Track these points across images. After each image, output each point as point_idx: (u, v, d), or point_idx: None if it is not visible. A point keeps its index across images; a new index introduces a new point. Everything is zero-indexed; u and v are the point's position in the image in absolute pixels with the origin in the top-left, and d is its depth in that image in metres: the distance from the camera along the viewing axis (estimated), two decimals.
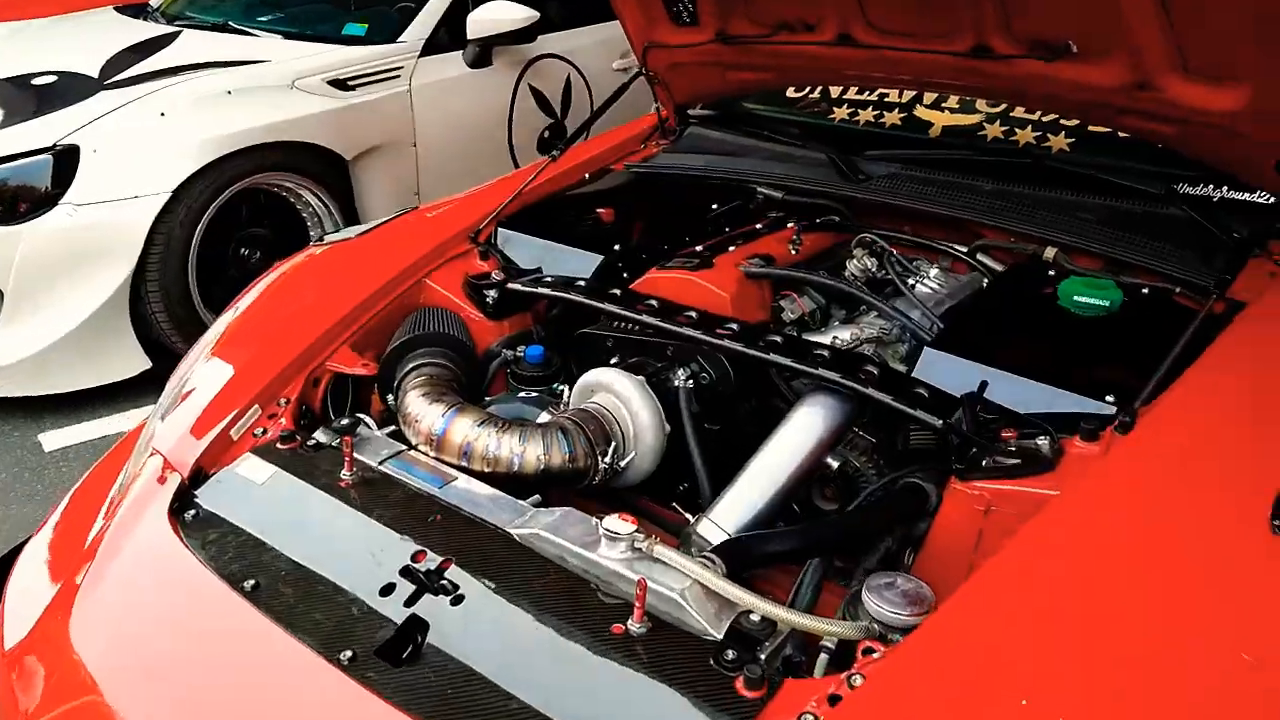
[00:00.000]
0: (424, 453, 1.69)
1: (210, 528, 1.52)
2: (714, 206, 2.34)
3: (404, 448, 1.70)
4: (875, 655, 1.21)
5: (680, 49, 2.55)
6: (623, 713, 1.16)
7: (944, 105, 2.47)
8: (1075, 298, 1.83)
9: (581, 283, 1.98)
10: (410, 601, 1.34)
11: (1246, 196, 2.12)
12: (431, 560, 1.40)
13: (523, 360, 2.00)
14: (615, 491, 1.76)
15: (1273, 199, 2.07)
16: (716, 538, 1.56)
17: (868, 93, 2.59)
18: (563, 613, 1.30)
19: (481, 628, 1.29)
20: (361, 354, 1.93)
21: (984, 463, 1.47)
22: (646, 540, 1.35)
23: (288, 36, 4.15)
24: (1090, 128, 2.28)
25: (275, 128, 3.59)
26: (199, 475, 1.64)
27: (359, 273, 2.12)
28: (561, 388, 1.98)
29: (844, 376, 1.59)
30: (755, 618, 1.26)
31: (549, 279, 2.03)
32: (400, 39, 4.09)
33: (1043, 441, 1.50)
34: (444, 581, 1.36)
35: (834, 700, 1.15)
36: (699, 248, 2.11)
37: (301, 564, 1.43)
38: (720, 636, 1.25)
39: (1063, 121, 2.31)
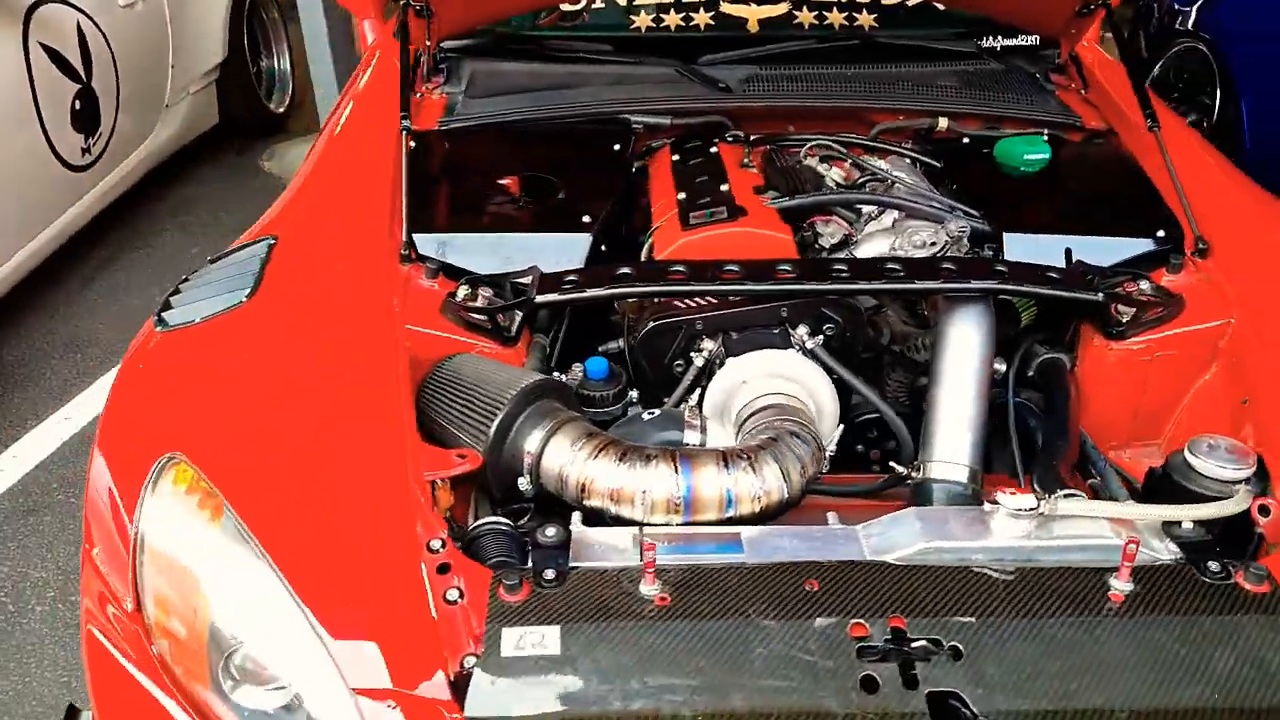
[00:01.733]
0: (663, 524, 1.37)
1: None
2: (615, 147, 2.09)
3: (635, 530, 1.35)
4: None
5: None
6: (1232, 655, 1.14)
7: None
8: (1025, 156, 2.04)
9: (626, 270, 1.66)
10: (909, 683, 1.13)
11: (1014, 42, 2.51)
12: (876, 628, 1.18)
13: (585, 379, 1.67)
14: None
15: (1036, 40, 2.48)
16: (959, 475, 1.53)
17: None
18: (1055, 611, 1.20)
19: (1007, 665, 1.14)
20: None
21: (1138, 319, 1.64)
22: (1048, 503, 1.30)
23: None
24: (884, 1, 2.46)
25: None
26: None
27: (316, 347, 1.54)
28: (631, 395, 1.71)
29: (1001, 282, 1.62)
30: (1187, 525, 1.31)
31: (571, 279, 1.67)
32: None
33: (1145, 285, 1.72)
34: (920, 643, 1.16)
35: None
36: (680, 196, 1.89)
37: (736, 711, 1.11)
38: (1180, 555, 1.28)
39: (859, 0, 2.46)
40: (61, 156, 3.49)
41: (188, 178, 4.65)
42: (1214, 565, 1.25)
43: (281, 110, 5.26)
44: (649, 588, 1.22)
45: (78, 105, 3.55)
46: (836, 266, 1.66)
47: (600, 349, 1.80)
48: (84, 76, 3.58)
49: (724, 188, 1.89)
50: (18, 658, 2.23)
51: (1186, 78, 4.31)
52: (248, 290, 1.62)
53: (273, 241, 1.74)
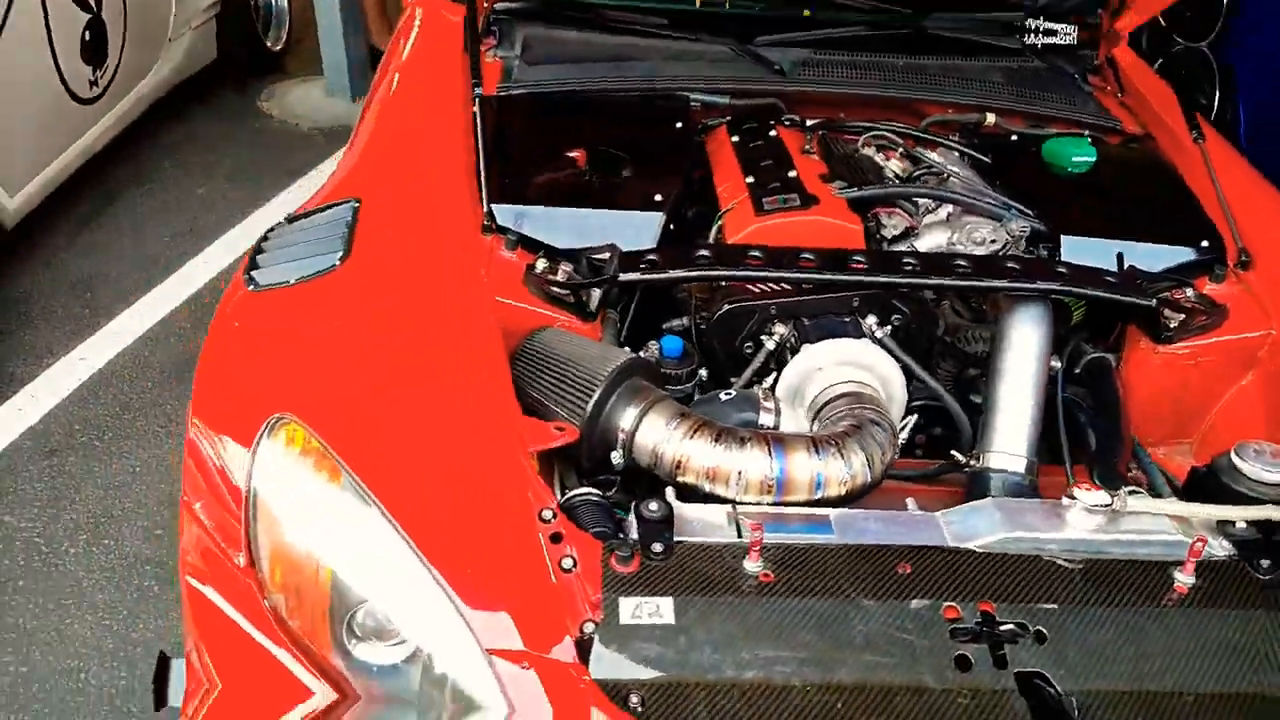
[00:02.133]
0: (753, 503, 1.44)
1: None
2: (678, 125, 2.12)
3: (728, 507, 1.42)
4: None
5: None
6: None
7: None
8: (1074, 158, 2.12)
9: (704, 253, 1.71)
10: (999, 663, 1.22)
11: (1053, 40, 2.57)
12: (967, 611, 1.27)
13: (662, 357, 1.72)
14: None
15: (1074, 39, 2.55)
16: (1017, 466, 1.62)
17: None
18: (1126, 600, 1.30)
19: (1086, 649, 1.24)
20: None
21: (1186, 325, 1.74)
22: (1119, 500, 1.39)
23: None
24: None
25: None
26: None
27: (414, 314, 1.57)
28: (700, 374, 1.77)
29: (1063, 284, 1.70)
30: (1241, 524, 1.42)
31: (650, 259, 1.72)
32: None
33: (1190, 292, 1.82)
34: (1008, 626, 1.25)
35: None
36: (749, 180, 1.94)
37: (843, 684, 1.19)
38: (1234, 552, 1.39)
39: None
40: (70, 89, 3.41)
41: (187, 116, 4.56)
42: (1265, 562, 1.36)
43: (279, 48, 5.16)
44: (753, 564, 1.30)
45: (87, 36, 3.46)
46: (908, 260, 1.73)
47: (664, 326, 1.86)
48: (94, 6, 3.49)
49: (792, 174, 1.94)
50: (56, 598, 2.25)
51: (1183, 74, 4.43)
52: (339, 254, 1.63)
53: (357, 204, 1.76)
